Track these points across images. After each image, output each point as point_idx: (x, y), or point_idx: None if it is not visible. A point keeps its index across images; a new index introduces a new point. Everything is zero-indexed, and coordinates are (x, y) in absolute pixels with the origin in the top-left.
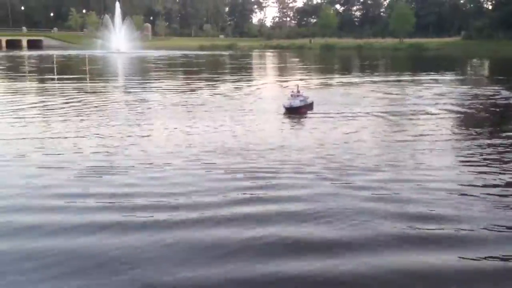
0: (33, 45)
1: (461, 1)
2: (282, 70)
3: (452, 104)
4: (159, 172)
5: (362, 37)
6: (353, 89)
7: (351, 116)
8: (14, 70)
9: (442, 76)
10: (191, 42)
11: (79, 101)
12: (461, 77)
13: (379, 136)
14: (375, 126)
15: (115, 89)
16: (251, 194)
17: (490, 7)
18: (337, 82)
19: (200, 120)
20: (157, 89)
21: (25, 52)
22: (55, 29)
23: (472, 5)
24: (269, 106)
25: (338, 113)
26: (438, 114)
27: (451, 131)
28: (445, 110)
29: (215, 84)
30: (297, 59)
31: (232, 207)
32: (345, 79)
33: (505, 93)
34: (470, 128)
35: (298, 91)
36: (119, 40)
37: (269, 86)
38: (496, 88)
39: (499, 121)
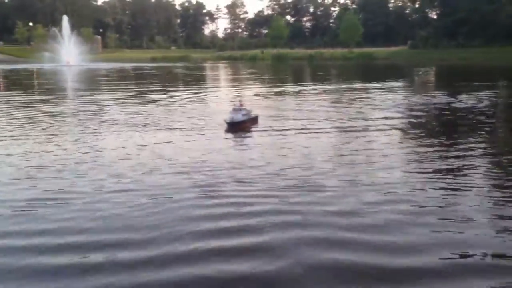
0: None
1: (407, 11)
2: (234, 81)
3: (401, 113)
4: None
5: (312, 47)
6: (303, 99)
7: (298, 131)
8: None
9: (391, 84)
10: (142, 54)
11: (23, 117)
12: (408, 85)
13: (326, 151)
14: (323, 140)
15: (59, 102)
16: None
17: (435, 17)
18: (288, 92)
19: (140, 136)
20: (98, 102)
21: None
22: (1, 42)
23: (417, 15)
24: (214, 119)
25: (284, 128)
26: (388, 124)
27: (402, 143)
28: (395, 118)
29: (161, 97)
30: (250, 70)
31: (178, 243)
32: (296, 89)
33: (448, 99)
34: (418, 138)
35: (241, 105)
36: (68, 53)
37: (217, 99)
38: (441, 94)
39: (445, 128)
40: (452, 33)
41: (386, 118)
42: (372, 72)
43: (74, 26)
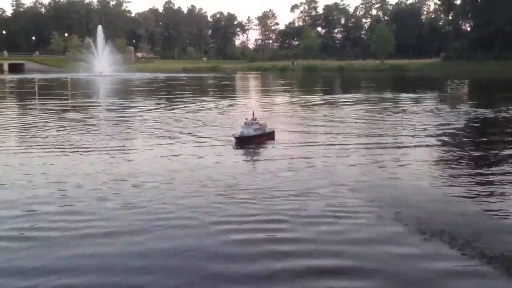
0: (15, 68)
1: (440, 23)
2: (263, 92)
3: (436, 126)
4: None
5: (343, 59)
6: (333, 111)
7: (319, 146)
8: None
9: (424, 95)
10: (174, 65)
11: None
12: (442, 96)
13: (345, 171)
14: (350, 159)
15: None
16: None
17: (469, 29)
18: (318, 103)
19: (146, 149)
20: (121, 111)
21: (6, 76)
22: (37, 52)
23: (450, 27)
24: (229, 132)
25: (304, 143)
26: (420, 143)
27: (437, 157)
28: (430, 136)
29: (187, 107)
30: (280, 81)
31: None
32: (325, 100)
33: (480, 111)
34: (449, 156)
35: (254, 119)
36: (101, 63)
37: (240, 110)
38: (475, 107)
39: (480, 140)
40: (486, 45)
41: (413, 133)
42: (404, 84)
43: (108, 37)
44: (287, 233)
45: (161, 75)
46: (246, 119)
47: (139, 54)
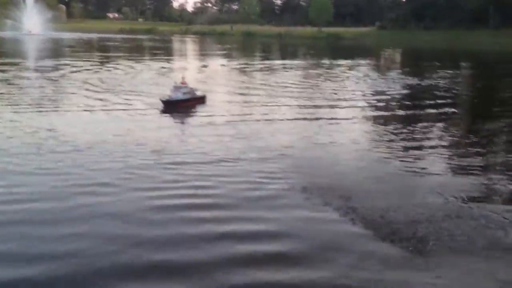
0: None
1: None
2: (200, 56)
3: (365, 93)
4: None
5: (282, 25)
6: (270, 77)
7: (253, 113)
8: None
9: (359, 63)
10: (109, 25)
11: None
12: (376, 64)
13: (272, 135)
14: (282, 125)
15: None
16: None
17: (404, 0)
18: (255, 69)
19: (69, 112)
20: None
21: None
22: None
23: None
24: (160, 95)
25: (236, 109)
26: (352, 106)
27: (368, 126)
28: (360, 99)
29: (119, 69)
30: (218, 45)
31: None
32: (262, 65)
33: (410, 78)
34: (380, 120)
35: (184, 82)
36: (30, 22)
37: (174, 73)
38: (404, 74)
39: (407, 105)
40: (420, 16)
41: (349, 98)
42: (340, 52)
43: None
44: (207, 199)
45: (95, 36)
46: (175, 82)
47: (72, 13)
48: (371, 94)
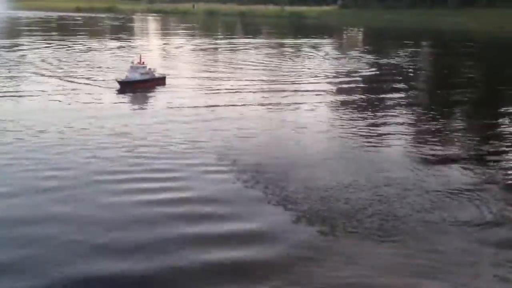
0: None
1: None
2: (161, 35)
3: (328, 72)
4: None
5: (244, 3)
6: (233, 56)
7: (212, 93)
8: None
9: (321, 41)
10: (67, 4)
11: None
12: (338, 43)
13: (232, 120)
14: (240, 108)
15: None
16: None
17: None
18: (217, 48)
19: (21, 92)
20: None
21: None
22: None
23: None
24: (117, 75)
25: (195, 89)
26: (314, 84)
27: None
28: (323, 78)
29: (76, 48)
30: (179, 24)
31: None
32: (227, 45)
33: (372, 56)
34: (344, 99)
35: (141, 62)
36: None
37: (133, 53)
38: (366, 52)
39: (369, 84)
40: None
41: (312, 78)
42: (303, 30)
43: None
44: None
45: (53, 14)
46: (132, 62)
47: None
48: (334, 72)
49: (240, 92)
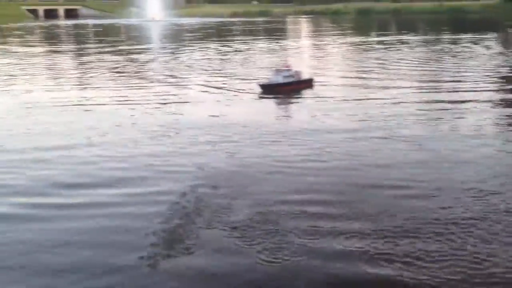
0: (70, 14)
1: None
2: (313, 36)
3: (492, 71)
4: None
5: (399, 0)
6: (384, 55)
7: (359, 97)
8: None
9: (484, 37)
10: (224, 9)
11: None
12: (503, 39)
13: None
14: (398, 108)
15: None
16: None
17: None
18: (370, 49)
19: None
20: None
21: (62, 22)
22: None
23: None
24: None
25: (344, 92)
26: (477, 86)
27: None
28: (486, 78)
29: (229, 50)
30: (332, 25)
31: None
32: (379, 44)
33: None
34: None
35: (287, 65)
36: (153, 8)
37: (282, 54)
38: None
39: None
40: None
41: (473, 75)
42: (463, 26)
43: None
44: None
45: (211, 20)
46: (277, 65)
47: None
48: (499, 72)
49: (396, 103)
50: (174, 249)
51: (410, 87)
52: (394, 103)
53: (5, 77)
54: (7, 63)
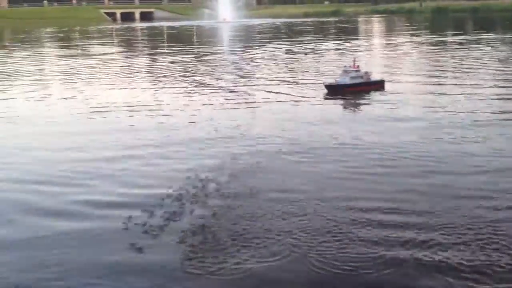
0: (145, 17)
1: None
2: (385, 36)
3: None
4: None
5: None
6: (461, 55)
7: (432, 101)
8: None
9: None
10: (295, 10)
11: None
12: None
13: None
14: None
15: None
16: None
17: None
18: (446, 49)
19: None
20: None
21: (138, 24)
22: (165, 0)
23: None
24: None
25: (417, 95)
26: None
27: None
28: None
29: (301, 50)
30: (406, 24)
31: None
32: (456, 44)
33: None
34: None
35: (355, 66)
36: (225, 10)
37: (352, 54)
38: None
39: None
40: None
41: None
42: None
43: None
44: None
45: (282, 21)
46: (345, 66)
47: None
48: None
49: (475, 110)
50: (239, 252)
51: (493, 94)
52: (474, 111)
53: (85, 76)
54: (87, 64)
